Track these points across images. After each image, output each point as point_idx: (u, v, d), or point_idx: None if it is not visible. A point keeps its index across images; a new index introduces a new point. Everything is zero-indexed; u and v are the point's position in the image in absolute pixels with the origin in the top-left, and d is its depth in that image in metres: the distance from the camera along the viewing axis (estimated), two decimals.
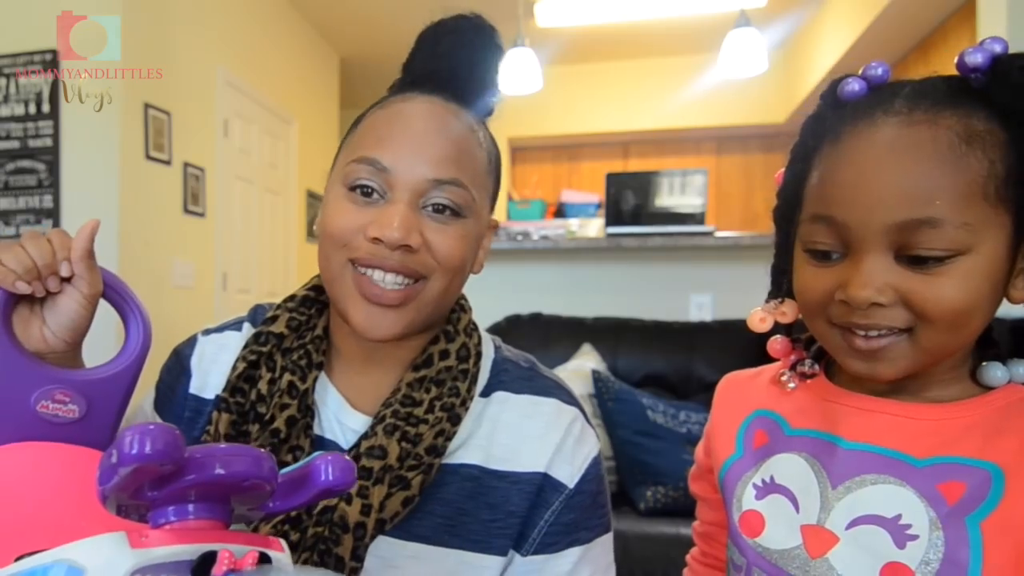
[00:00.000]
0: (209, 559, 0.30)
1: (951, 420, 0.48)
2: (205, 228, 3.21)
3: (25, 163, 2.68)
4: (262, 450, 0.32)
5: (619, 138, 5.06)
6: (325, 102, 4.56)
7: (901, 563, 0.44)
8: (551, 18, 3.87)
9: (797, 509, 0.51)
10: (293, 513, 0.57)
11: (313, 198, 4.42)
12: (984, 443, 0.46)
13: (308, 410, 0.62)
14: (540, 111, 4.66)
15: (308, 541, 0.56)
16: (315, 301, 0.69)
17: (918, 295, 0.44)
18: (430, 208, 0.59)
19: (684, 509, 1.67)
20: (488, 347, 0.69)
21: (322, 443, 0.63)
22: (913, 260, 0.44)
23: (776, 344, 0.59)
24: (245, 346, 0.65)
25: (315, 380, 0.64)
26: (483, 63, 0.64)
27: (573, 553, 0.62)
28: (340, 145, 0.65)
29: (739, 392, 0.63)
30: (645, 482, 1.79)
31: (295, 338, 0.66)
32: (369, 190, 0.58)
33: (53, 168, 2.66)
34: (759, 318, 0.57)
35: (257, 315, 0.70)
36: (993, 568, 0.42)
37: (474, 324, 0.69)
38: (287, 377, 0.62)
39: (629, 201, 2.66)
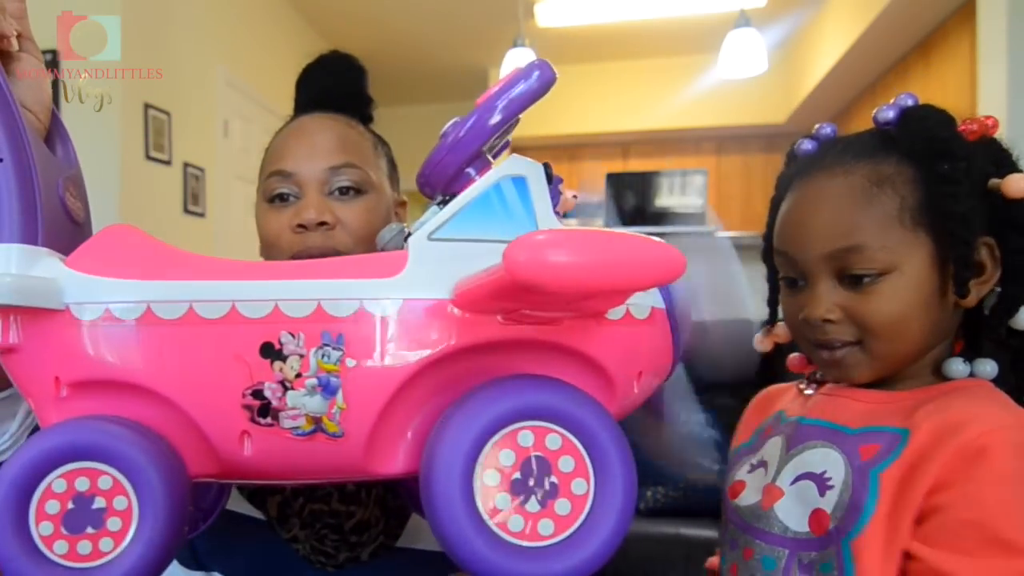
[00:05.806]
0: None
1: (894, 402, 0.55)
2: (205, 228, 3.21)
3: None
4: None
5: (619, 138, 5.04)
6: None
7: (822, 509, 0.53)
8: (551, 18, 3.87)
9: (767, 475, 0.60)
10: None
11: None
12: (908, 415, 0.53)
13: None
14: (540, 111, 4.46)
15: None
16: None
17: (859, 310, 0.54)
18: (336, 192, 0.71)
19: (684, 509, 1.67)
20: None
21: None
22: (852, 280, 0.54)
23: (794, 360, 0.68)
24: None
25: None
26: (347, 83, 0.79)
27: None
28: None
29: (768, 399, 0.72)
30: (645, 482, 1.79)
31: None
32: (285, 195, 0.71)
33: None
34: (758, 341, 0.68)
35: None
36: (880, 512, 0.50)
37: None
38: None
39: (629, 201, 2.67)
